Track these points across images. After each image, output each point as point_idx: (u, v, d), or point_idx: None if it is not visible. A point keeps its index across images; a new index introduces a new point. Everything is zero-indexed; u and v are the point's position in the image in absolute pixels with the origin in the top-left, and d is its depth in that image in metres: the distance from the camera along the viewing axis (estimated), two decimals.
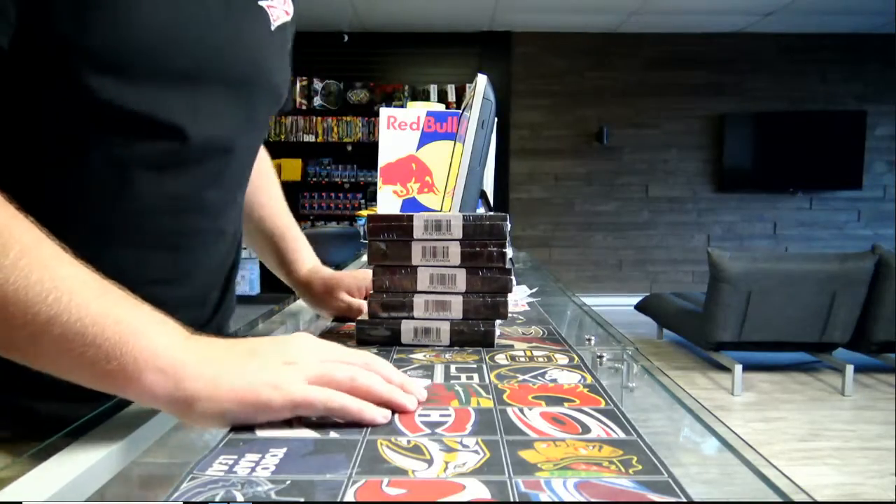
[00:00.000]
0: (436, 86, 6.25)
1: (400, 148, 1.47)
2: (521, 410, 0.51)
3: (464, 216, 0.74)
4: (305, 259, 1.00)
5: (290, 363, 0.48)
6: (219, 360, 0.48)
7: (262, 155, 0.95)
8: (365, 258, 1.84)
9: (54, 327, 0.44)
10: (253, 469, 0.40)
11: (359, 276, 0.95)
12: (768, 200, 6.41)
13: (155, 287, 0.58)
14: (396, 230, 0.75)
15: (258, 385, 0.46)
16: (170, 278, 0.70)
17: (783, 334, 3.89)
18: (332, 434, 0.46)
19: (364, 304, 0.87)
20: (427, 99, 6.19)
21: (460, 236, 0.74)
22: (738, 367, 3.75)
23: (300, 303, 1.10)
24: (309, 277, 0.98)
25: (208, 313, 0.79)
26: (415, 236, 0.75)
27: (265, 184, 0.98)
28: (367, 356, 0.53)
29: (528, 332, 0.84)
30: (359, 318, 0.79)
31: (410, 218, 0.74)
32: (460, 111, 1.24)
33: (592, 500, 0.36)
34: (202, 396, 0.45)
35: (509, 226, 0.74)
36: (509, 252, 0.74)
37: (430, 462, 0.41)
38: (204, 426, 0.47)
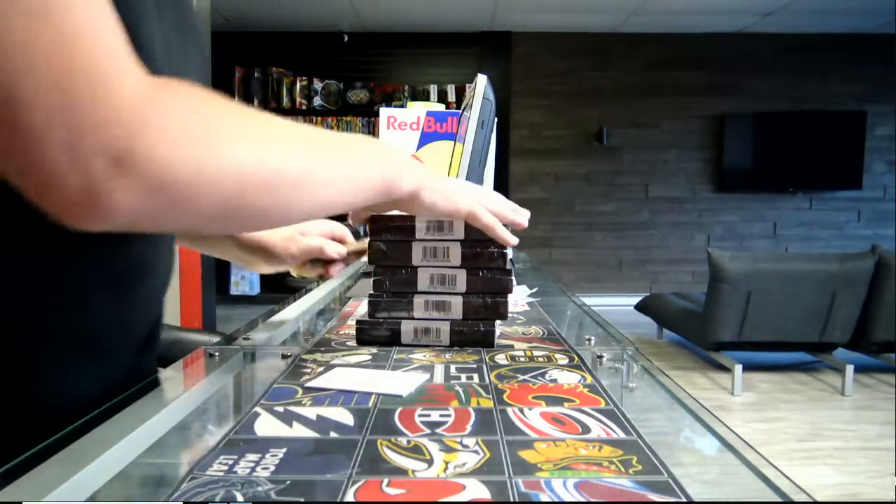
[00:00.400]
0: (436, 86, 6.25)
1: (400, 148, 1.47)
2: (521, 410, 0.51)
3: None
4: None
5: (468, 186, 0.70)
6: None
7: None
8: (365, 258, 1.84)
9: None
10: (253, 469, 0.40)
11: (319, 225, 0.94)
12: (768, 200, 6.41)
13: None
14: (398, 231, 0.75)
15: (456, 185, 0.67)
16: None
17: (783, 334, 3.89)
18: (332, 434, 0.46)
19: (325, 242, 0.89)
20: (427, 99, 6.19)
21: (461, 237, 0.74)
22: (738, 367, 3.75)
23: (300, 303, 1.10)
24: (261, 234, 0.92)
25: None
26: (416, 236, 0.75)
27: None
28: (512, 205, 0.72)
29: (528, 332, 0.84)
30: (358, 320, 0.79)
31: (412, 218, 0.74)
32: (460, 111, 1.24)
33: (592, 500, 0.36)
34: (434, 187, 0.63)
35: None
36: (510, 253, 0.74)
37: (430, 462, 0.41)
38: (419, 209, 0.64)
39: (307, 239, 0.91)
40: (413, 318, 0.75)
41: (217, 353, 0.72)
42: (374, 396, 0.56)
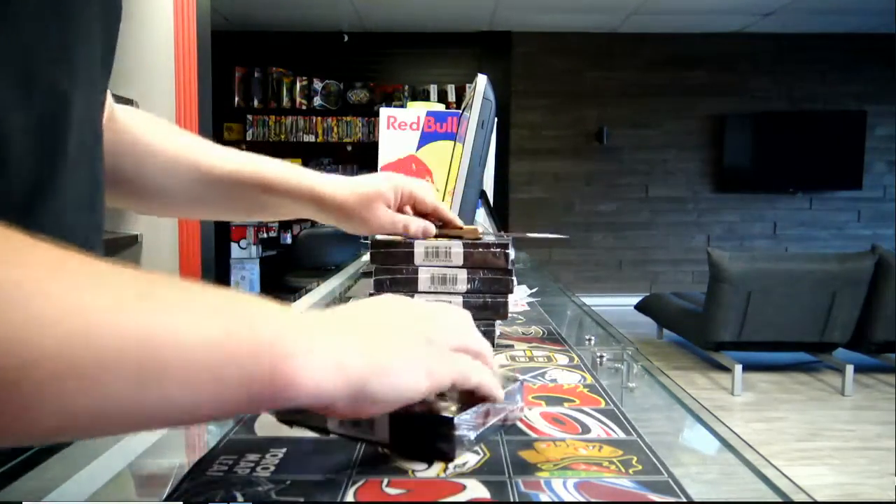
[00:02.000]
0: (436, 86, 6.25)
1: (400, 148, 1.47)
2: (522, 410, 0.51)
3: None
4: (308, 174, 0.77)
5: (439, 329, 0.42)
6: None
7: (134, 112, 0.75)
8: (365, 258, 1.84)
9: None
10: (253, 469, 0.40)
11: (396, 181, 0.78)
12: (768, 200, 6.41)
13: None
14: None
15: (421, 351, 0.40)
16: None
17: (783, 334, 3.89)
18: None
19: (411, 220, 0.75)
20: (427, 99, 6.19)
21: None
22: (738, 367, 3.75)
23: (301, 303, 1.09)
24: (334, 191, 0.76)
25: None
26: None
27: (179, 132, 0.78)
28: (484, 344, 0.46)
29: (528, 332, 0.84)
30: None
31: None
32: (460, 111, 1.24)
33: (592, 500, 0.36)
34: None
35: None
36: (511, 253, 0.74)
37: (430, 462, 0.41)
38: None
39: (380, 212, 0.76)
40: None
41: None
42: None
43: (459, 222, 0.79)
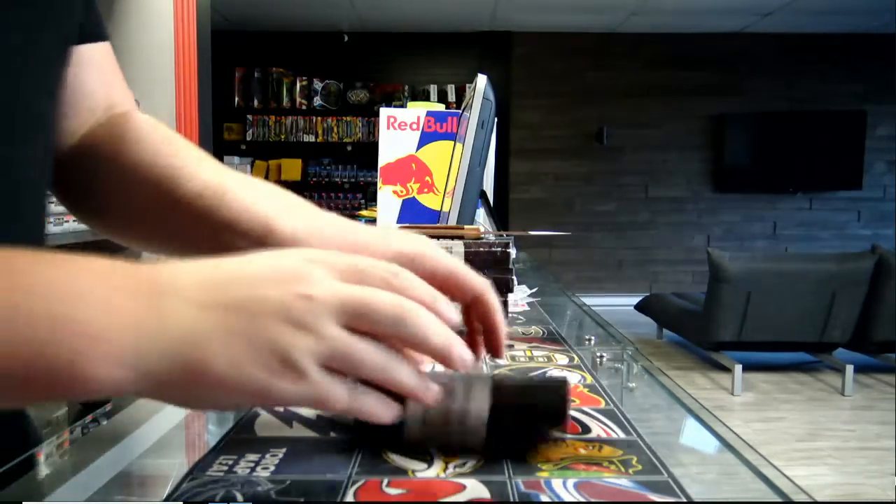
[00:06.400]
0: (436, 86, 6.25)
1: (400, 148, 1.47)
2: None
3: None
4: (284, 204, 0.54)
5: (297, 323, 0.34)
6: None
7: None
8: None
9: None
10: (253, 469, 0.40)
11: (424, 264, 0.46)
12: (768, 200, 6.41)
13: None
14: None
15: (256, 374, 0.33)
16: None
17: (783, 334, 3.89)
18: (332, 434, 0.46)
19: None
20: (427, 99, 6.19)
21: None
22: (738, 367, 3.75)
23: None
24: (297, 228, 0.52)
25: None
26: None
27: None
28: (398, 270, 0.38)
29: (528, 332, 0.84)
30: None
31: None
32: (460, 111, 1.24)
33: (592, 500, 0.36)
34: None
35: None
36: (513, 252, 0.74)
37: (429, 462, 0.41)
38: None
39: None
40: None
41: None
42: None
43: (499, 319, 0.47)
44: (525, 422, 0.42)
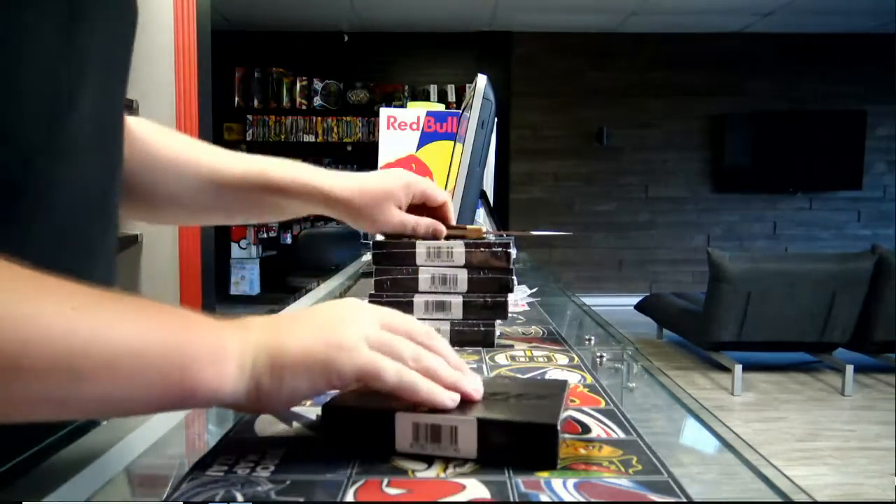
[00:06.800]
0: (436, 86, 6.25)
1: (400, 148, 1.47)
2: None
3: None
4: (316, 173, 0.77)
5: (348, 324, 0.43)
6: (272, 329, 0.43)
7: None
8: (365, 258, 1.84)
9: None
10: (253, 469, 0.40)
11: (406, 179, 0.77)
12: (768, 200, 6.41)
13: None
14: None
15: (319, 347, 0.42)
16: None
17: (783, 334, 3.89)
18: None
19: (420, 221, 0.75)
20: (427, 99, 6.19)
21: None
22: (738, 367, 3.75)
23: (301, 303, 1.09)
24: (342, 190, 0.75)
25: None
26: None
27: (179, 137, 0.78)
28: (430, 330, 0.47)
29: (528, 332, 0.84)
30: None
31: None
32: (460, 111, 1.24)
33: (592, 500, 0.36)
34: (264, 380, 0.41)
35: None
36: (513, 252, 0.74)
37: (430, 462, 0.41)
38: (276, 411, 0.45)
39: (391, 212, 0.75)
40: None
41: None
42: None
43: (453, 222, 0.80)
44: (512, 462, 0.41)
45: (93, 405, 0.38)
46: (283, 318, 0.45)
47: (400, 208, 0.76)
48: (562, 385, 0.48)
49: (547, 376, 0.62)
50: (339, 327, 0.43)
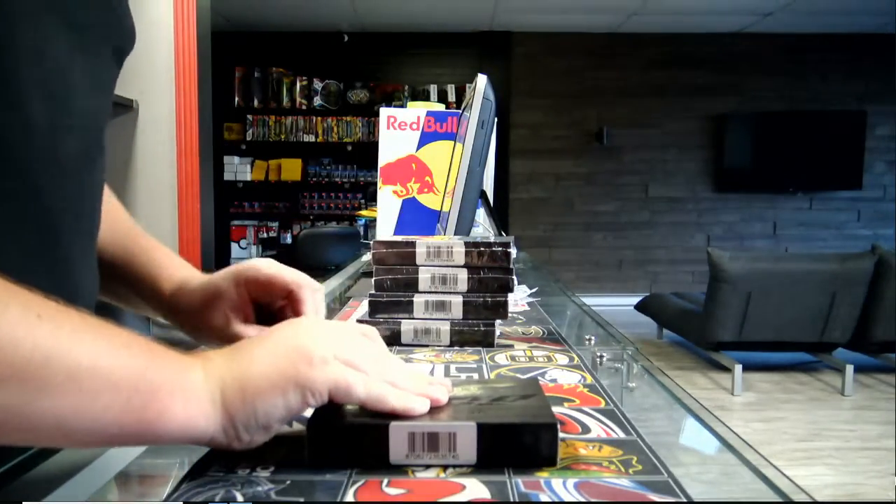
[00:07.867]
0: (436, 86, 6.25)
1: (400, 148, 1.47)
2: None
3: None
4: (174, 268, 0.67)
5: (315, 339, 0.43)
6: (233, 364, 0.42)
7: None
8: (365, 258, 1.84)
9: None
10: (253, 469, 0.40)
11: (236, 268, 0.62)
12: (768, 200, 6.41)
13: None
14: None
15: (288, 365, 0.41)
16: None
17: (783, 334, 3.89)
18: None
19: (250, 330, 0.61)
20: (427, 99, 6.19)
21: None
22: (738, 367, 3.75)
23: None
24: (178, 289, 0.65)
25: None
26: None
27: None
28: (382, 352, 0.47)
29: (528, 332, 0.84)
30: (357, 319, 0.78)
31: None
32: (460, 111, 1.24)
33: (592, 500, 0.36)
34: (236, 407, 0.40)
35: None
36: (513, 252, 0.74)
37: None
38: (255, 443, 0.41)
39: (231, 320, 0.62)
40: (413, 318, 0.75)
41: None
42: None
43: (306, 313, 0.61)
44: (512, 463, 0.41)
45: (50, 420, 0.35)
46: (243, 344, 0.44)
47: (238, 310, 0.62)
48: (534, 383, 0.49)
49: (547, 376, 0.62)
50: (306, 344, 0.42)
